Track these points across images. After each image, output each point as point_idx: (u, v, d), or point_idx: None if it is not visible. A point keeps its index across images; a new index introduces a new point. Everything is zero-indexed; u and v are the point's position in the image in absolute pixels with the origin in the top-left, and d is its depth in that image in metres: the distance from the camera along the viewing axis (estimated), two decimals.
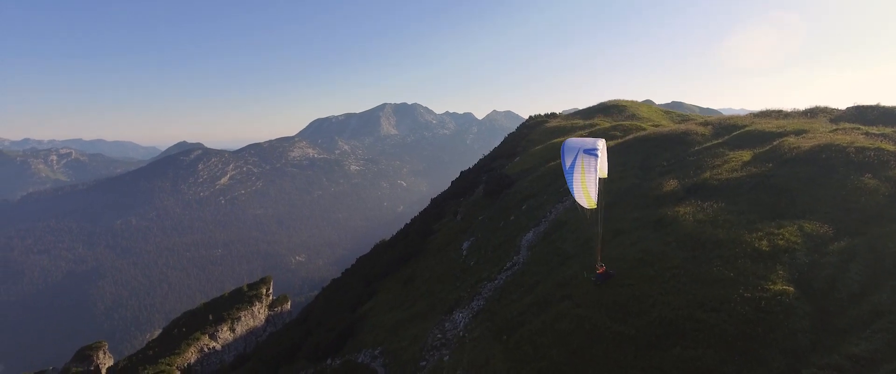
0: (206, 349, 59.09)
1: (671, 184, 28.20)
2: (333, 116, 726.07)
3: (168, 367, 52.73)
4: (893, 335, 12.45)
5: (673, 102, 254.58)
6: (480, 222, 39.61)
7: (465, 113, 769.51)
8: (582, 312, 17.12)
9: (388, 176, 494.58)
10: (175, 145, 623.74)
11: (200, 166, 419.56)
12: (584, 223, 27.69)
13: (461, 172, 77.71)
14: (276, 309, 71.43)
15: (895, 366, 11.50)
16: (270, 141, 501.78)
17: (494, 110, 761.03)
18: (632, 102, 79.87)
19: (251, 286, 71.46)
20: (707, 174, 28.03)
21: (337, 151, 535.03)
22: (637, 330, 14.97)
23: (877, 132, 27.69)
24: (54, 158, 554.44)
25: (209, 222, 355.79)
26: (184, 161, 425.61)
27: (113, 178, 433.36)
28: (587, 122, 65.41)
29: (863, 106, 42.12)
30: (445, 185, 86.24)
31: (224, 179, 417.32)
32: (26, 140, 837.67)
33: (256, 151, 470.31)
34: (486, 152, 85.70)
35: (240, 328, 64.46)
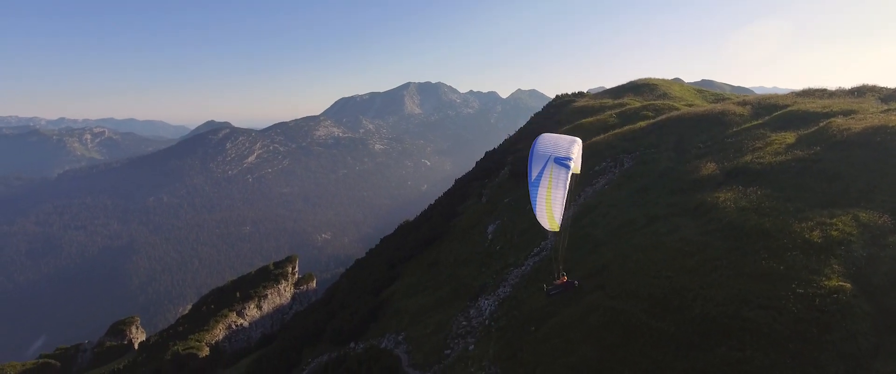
0: (233, 326, 60.13)
1: (709, 167, 26.76)
2: (358, 96, 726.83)
3: (197, 343, 53.78)
4: None
5: (703, 81, 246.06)
6: (506, 205, 38.66)
7: (489, 92, 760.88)
8: (616, 305, 16.19)
9: (413, 155, 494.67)
10: (204, 124, 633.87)
11: (228, 145, 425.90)
12: (616, 207, 26.58)
13: (486, 153, 76.55)
14: (301, 287, 72.22)
15: None
16: (296, 120, 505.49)
17: (519, 89, 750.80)
18: (663, 80, 77.01)
19: (277, 265, 72.31)
20: (748, 157, 26.47)
21: (361, 131, 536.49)
22: (677, 327, 13.97)
23: None
24: (88, 136, 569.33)
25: (237, 199, 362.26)
26: (212, 140, 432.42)
27: (145, 156, 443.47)
28: (617, 101, 63.28)
29: None
30: (469, 164, 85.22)
31: (251, 158, 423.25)
32: (62, 119, 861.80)
33: (282, 130, 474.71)
34: (511, 132, 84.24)
35: (266, 306, 65.41)
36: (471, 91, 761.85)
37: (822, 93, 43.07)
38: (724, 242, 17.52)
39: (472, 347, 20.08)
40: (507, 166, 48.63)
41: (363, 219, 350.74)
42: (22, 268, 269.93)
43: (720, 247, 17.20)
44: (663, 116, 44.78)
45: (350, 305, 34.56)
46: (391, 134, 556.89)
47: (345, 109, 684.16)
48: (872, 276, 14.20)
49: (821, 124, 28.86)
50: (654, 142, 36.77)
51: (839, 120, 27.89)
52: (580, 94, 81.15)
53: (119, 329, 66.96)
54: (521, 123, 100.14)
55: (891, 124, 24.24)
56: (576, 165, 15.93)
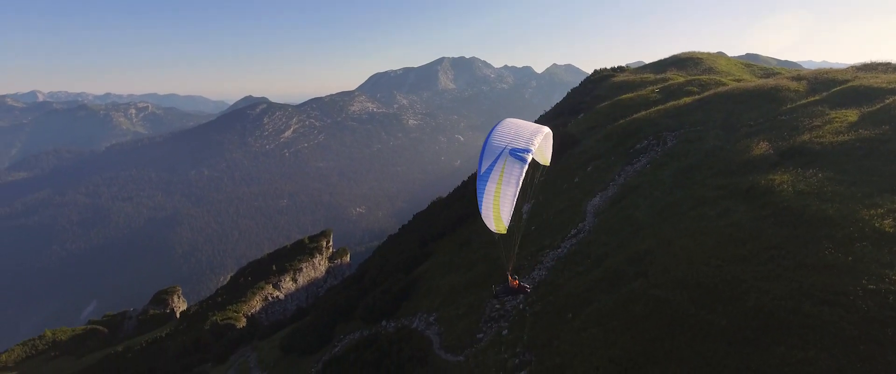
0: (270, 298, 61.52)
1: (761, 147, 25.05)
2: (392, 71, 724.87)
3: (235, 314, 55.24)
4: None
5: (747, 55, 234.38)
6: (541, 184, 37.55)
7: (523, 67, 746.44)
8: (660, 294, 15.18)
9: (446, 131, 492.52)
10: (242, 100, 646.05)
11: (266, 120, 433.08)
12: (659, 188, 25.26)
13: None
14: (335, 262, 73.19)
15: None
16: (331, 95, 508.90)
17: (554, 64, 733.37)
18: (708, 54, 73.40)
19: (312, 239, 73.35)
20: (805, 136, 24.64)
21: (395, 106, 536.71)
22: (729, 321, 12.89)
23: None
24: (133, 111, 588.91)
25: (274, 173, 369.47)
26: (250, 115, 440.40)
27: (186, 130, 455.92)
28: (658, 76, 60.66)
29: None
30: None
31: (288, 133, 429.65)
32: (108, 95, 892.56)
33: (318, 106, 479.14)
34: (546, 108, 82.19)
35: (301, 279, 66.61)
36: (505, 66, 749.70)
37: (885, 67, 40.01)
38: (781, 229, 16.19)
39: (505, 331, 19.47)
40: None
41: (397, 193, 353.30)
42: (74, 237, 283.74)
43: (776, 234, 15.89)
44: (710, 92, 42.55)
45: (382, 282, 34.45)
46: (425, 109, 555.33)
47: (379, 84, 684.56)
48: None
49: (887, 101, 26.66)
50: (701, 119, 34.89)
51: None
52: (620, 68, 78.33)
53: (162, 298, 69.51)
54: (557, 98, 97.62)
55: None
56: (544, 157, 14.56)
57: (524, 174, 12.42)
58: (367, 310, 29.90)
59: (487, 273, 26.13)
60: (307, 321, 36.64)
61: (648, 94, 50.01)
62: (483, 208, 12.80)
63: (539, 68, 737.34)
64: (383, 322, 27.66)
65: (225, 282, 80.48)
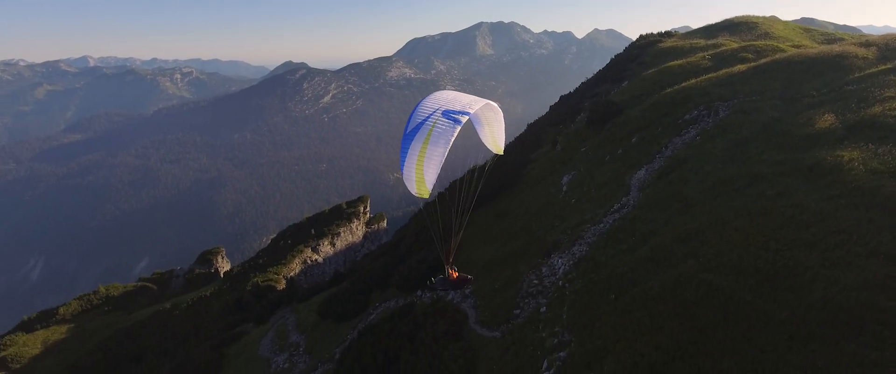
0: (308, 261, 62.86)
1: (826, 119, 23.16)
2: (430, 36, 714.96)
3: (275, 276, 56.75)
4: None
5: (803, 18, 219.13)
6: (582, 154, 36.26)
7: (563, 32, 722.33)
8: (712, 278, 14.22)
9: (484, 97, 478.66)
10: (281, 65, 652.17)
11: (305, 86, 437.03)
12: (710, 162, 23.81)
13: (560, 97, 72.67)
14: (372, 227, 73.98)
15: None
16: (369, 61, 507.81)
17: (596, 29, 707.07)
18: (763, 17, 68.72)
19: (350, 204, 74.19)
20: (876, 109, 22.61)
21: (433, 72, 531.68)
22: (792, 312, 11.91)
23: None
24: (178, 76, 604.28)
25: (314, 138, 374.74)
26: (290, 80, 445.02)
27: (229, 95, 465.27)
28: (709, 42, 57.23)
29: None
30: (541, 107, 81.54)
31: (326, 98, 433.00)
32: (154, 60, 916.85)
33: (356, 71, 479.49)
34: (587, 75, 79.23)
35: (339, 244, 67.71)
36: (545, 31, 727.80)
37: None
38: (851, 211, 14.85)
39: (543, 309, 18.93)
40: (584, 112, 45.54)
41: None
42: (126, 197, 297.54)
43: (846, 218, 14.59)
44: (766, 59, 39.81)
45: (418, 251, 34.32)
46: (462, 75, 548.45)
47: (416, 49, 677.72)
48: None
49: None
50: (757, 88, 32.66)
51: None
52: (667, 34, 74.35)
53: (207, 258, 72.08)
54: (598, 65, 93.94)
55: None
56: (494, 138, 13.20)
57: (455, 136, 11.35)
58: (403, 279, 29.88)
59: (525, 247, 25.51)
60: (344, 286, 37.08)
61: (699, 60, 47.28)
62: (404, 168, 11.77)
63: (580, 34, 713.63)
64: (419, 292, 27.58)
65: (267, 243, 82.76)
